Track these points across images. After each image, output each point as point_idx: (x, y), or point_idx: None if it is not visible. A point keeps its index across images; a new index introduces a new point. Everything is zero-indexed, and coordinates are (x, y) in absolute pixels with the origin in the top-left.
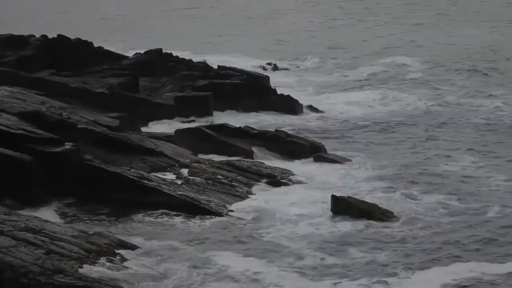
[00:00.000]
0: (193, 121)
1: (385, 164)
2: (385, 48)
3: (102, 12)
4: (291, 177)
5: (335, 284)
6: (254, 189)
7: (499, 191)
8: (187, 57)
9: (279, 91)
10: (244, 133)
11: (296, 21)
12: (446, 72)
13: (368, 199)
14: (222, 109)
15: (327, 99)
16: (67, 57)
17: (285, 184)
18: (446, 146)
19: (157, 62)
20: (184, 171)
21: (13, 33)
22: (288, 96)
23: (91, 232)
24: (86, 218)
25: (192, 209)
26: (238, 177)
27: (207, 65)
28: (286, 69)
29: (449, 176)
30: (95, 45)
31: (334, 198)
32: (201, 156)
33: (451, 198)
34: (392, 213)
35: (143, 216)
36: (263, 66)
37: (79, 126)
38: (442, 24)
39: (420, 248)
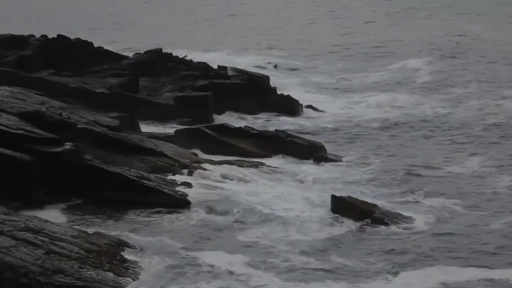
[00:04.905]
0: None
1: (387, 165)
2: (389, 46)
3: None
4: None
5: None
6: (254, 189)
7: (504, 194)
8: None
9: (280, 91)
10: (244, 133)
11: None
12: (451, 72)
13: (369, 199)
14: (221, 111)
15: (327, 99)
16: (67, 57)
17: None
18: (450, 148)
19: (157, 62)
20: (184, 171)
21: (13, 33)
22: (288, 96)
23: (91, 232)
24: (86, 218)
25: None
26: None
27: (207, 65)
28: (286, 69)
29: (453, 179)
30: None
31: (334, 198)
32: (201, 156)
33: (453, 202)
34: (392, 213)
35: (143, 216)
36: (264, 66)
37: (79, 126)
38: (450, 20)
39: (415, 251)
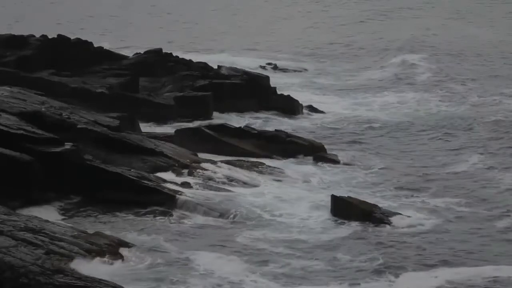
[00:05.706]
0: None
1: (388, 165)
2: (387, 45)
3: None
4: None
5: None
6: (253, 189)
7: (507, 192)
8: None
9: (280, 91)
10: (244, 133)
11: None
12: (455, 70)
13: (369, 199)
14: (222, 110)
15: (328, 99)
16: (67, 57)
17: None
18: (452, 147)
19: (157, 62)
20: (184, 171)
21: (13, 33)
22: (288, 96)
23: (91, 232)
24: (86, 218)
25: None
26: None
27: (207, 65)
28: (286, 69)
29: (454, 178)
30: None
31: (334, 198)
32: (201, 156)
33: (455, 201)
34: (393, 213)
35: (143, 216)
36: (264, 66)
37: (79, 126)
38: (450, 20)
39: (417, 251)
